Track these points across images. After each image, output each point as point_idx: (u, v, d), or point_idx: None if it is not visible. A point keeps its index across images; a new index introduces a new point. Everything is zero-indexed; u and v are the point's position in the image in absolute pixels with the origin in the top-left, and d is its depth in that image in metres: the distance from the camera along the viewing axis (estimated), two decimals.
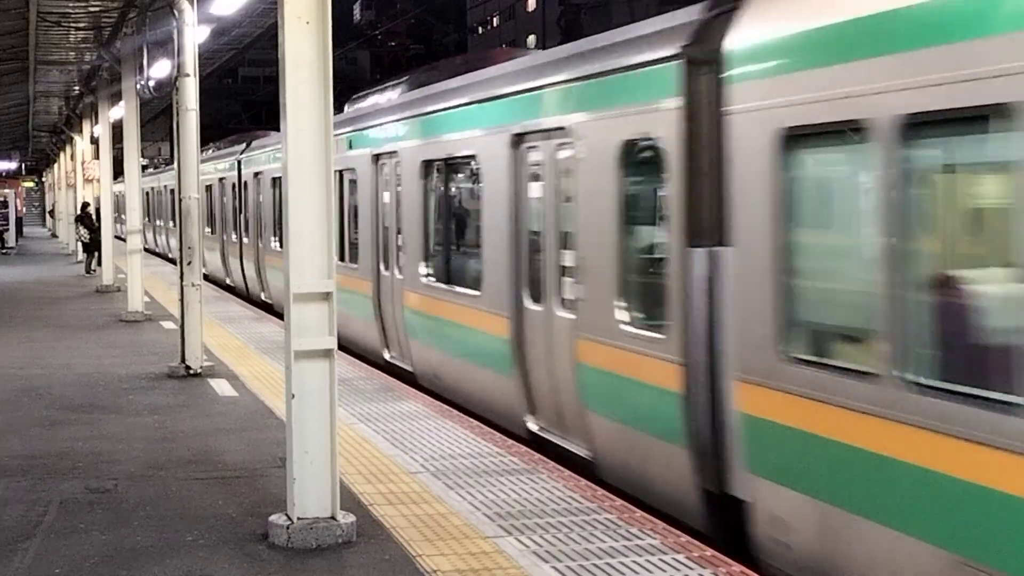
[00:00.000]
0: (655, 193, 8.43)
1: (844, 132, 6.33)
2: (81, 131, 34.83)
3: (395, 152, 14.04)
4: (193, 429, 10.58)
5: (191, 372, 13.64)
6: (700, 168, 7.66)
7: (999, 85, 5.20)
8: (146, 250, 31.35)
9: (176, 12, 14.10)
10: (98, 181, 30.11)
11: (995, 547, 5.33)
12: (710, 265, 7.53)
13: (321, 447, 7.06)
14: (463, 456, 9.24)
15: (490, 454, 9.30)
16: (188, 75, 13.96)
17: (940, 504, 5.62)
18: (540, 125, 10.03)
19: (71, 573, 6.67)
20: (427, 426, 10.42)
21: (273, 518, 7.15)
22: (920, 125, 5.75)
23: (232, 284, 26.75)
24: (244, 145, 26.03)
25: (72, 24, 20.91)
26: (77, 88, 31.36)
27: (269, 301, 22.47)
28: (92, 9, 19.88)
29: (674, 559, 6.66)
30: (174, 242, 38.25)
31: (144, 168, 39.99)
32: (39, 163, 74.32)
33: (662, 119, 8.00)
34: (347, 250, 16.38)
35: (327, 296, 7.07)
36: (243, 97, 79.16)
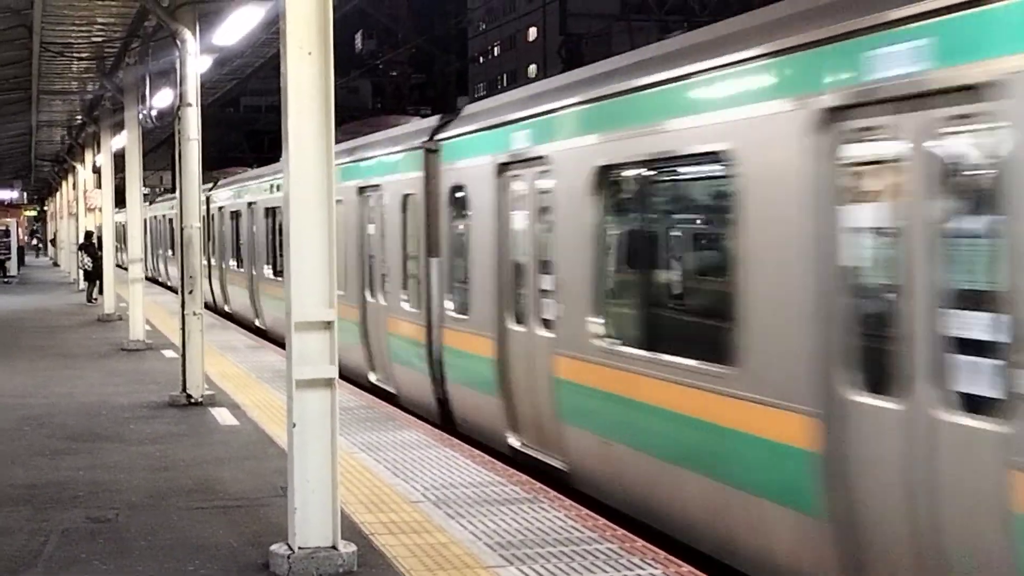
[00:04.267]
0: (417, 226, 13.52)
1: (460, 191, 12.33)
2: (83, 160, 34.92)
3: None
4: (194, 458, 10.58)
5: (192, 401, 13.64)
6: (431, 211, 12.96)
7: None
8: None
9: (179, 42, 14.15)
10: (99, 210, 30.21)
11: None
12: (436, 268, 12.88)
13: (322, 476, 7.05)
14: (464, 485, 9.24)
15: (491, 483, 9.30)
16: (190, 105, 14.00)
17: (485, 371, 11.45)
18: (370, 182, 15.56)
19: None
20: (428, 455, 10.43)
21: (274, 547, 7.14)
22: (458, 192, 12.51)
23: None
24: (212, 184, 29.89)
25: (75, 54, 20.97)
26: (79, 118, 31.43)
27: (229, 311, 27.42)
28: (95, 39, 19.96)
29: None
30: (158, 264, 40.71)
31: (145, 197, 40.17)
32: (41, 192, 74.44)
33: (416, 183, 13.37)
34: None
35: (328, 325, 7.07)
36: (245, 126, 79.24)
